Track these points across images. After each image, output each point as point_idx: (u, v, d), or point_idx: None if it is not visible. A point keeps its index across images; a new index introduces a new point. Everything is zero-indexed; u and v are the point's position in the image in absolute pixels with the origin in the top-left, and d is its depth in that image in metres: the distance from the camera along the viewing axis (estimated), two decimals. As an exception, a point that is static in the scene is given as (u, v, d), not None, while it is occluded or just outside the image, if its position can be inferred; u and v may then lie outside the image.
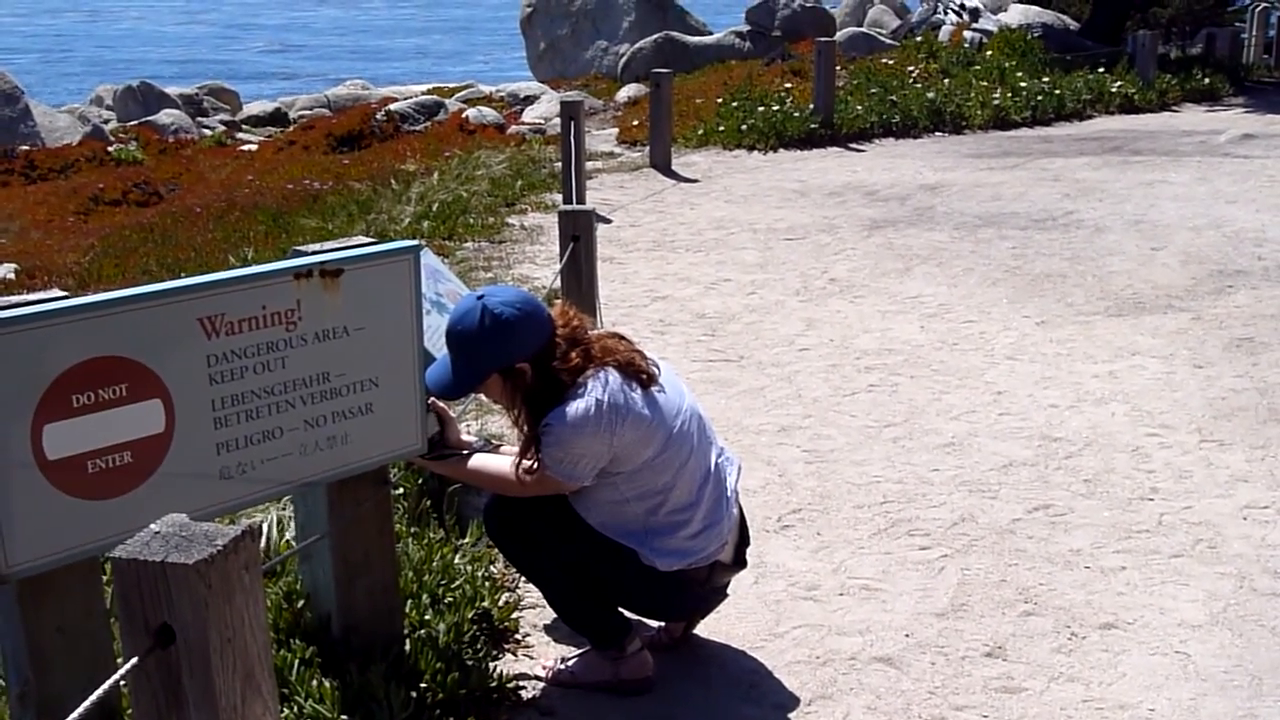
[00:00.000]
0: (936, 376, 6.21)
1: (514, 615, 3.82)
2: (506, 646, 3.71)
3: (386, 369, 3.04)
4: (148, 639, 2.04)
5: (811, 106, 14.08)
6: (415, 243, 3.05)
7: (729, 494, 3.38)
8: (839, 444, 5.35)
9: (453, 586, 3.73)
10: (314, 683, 3.05)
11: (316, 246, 2.99)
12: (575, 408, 3.09)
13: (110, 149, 20.15)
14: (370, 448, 3.06)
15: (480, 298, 3.19)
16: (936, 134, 14.43)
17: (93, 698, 1.96)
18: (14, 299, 2.65)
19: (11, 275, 10.51)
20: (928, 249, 8.94)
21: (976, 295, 7.71)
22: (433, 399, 3.29)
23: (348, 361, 2.96)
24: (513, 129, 17.41)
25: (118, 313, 2.58)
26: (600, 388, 3.11)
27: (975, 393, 5.96)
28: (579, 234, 6.40)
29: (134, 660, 2.04)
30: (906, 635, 3.77)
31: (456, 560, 3.92)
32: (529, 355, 3.16)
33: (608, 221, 10.17)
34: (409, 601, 3.51)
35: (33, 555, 2.54)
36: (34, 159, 19.90)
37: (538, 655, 3.68)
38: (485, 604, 3.71)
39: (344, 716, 2.98)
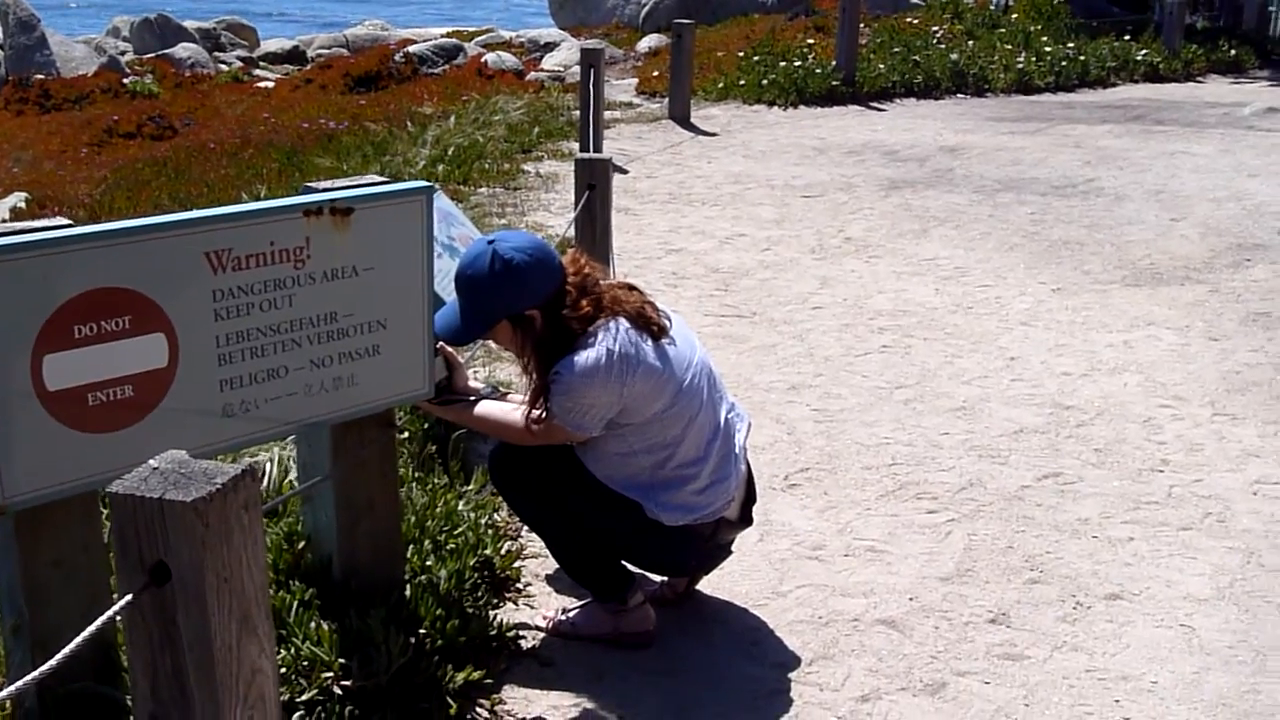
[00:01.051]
0: (950, 340, 6.15)
1: (516, 564, 3.79)
2: (507, 595, 3.68)
3: (395, 311, 2.99)
4: (143, 576, 2.01)
5: (834, 63, 13.94)
6: (427, 184, 2.99)
7: (737, 450, 3.33)
8: (849, 404, 5.31)
9: (455, 533, 3.70)
10: (312, 625, 3.03)
11: (328, 184, 2.93)
12: (585, 357, 3.04)
13: (126, 81, 20.05)
14: (376, 390, 3.02)
15: (491, 242, 3.14)
16: (958, 96, 14.29)
17: (85, 633, 1.94)
18: (18, 224, 2.60)
19: (22, 205, 10.47)
20: (945, 211, 8.85)
21: (993, 260, 7.63)
22: (440, 344, 3.24)
23: (356, 302, 2.91)
24: (531, 75, 17.28)
25: (123, 243, 2.53)
26: (611, 338, 3.06)
27: (988, 358, 5.91)
28: (595, 183, 6.34)
29: (128, 597, 2.01)
30: (910, 599, 3.74)
31: (460, 507, 3.89)
32: (539, 302, 3.11)
33: (624, 172, 10.08)
34: (410, 547, 3.48)
35: (30, 487, 2.50)
36: (49, 88, 19.81)
37: (539, 605, 3.66)
38: (487, 552, 3.69)
39: (341, 659, 2.95)
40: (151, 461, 2.08)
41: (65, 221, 2.61)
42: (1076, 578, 3.88)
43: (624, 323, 3.10)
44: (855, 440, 4.92)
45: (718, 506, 3.27)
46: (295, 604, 3.07)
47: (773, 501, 4.33)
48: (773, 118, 12.87)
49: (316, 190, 2.90)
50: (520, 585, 3.75)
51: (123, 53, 22.99)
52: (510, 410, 3.24)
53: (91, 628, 1.96)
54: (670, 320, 3.23)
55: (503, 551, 3.78)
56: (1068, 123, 12.55)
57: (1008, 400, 5.36)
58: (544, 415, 3.14)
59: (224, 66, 22.59)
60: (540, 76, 16.91)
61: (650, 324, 3.15)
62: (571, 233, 6.50)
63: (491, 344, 3.56)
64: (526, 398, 3.25)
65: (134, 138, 16.55)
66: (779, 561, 3.94)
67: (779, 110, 13.24)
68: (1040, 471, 4.63)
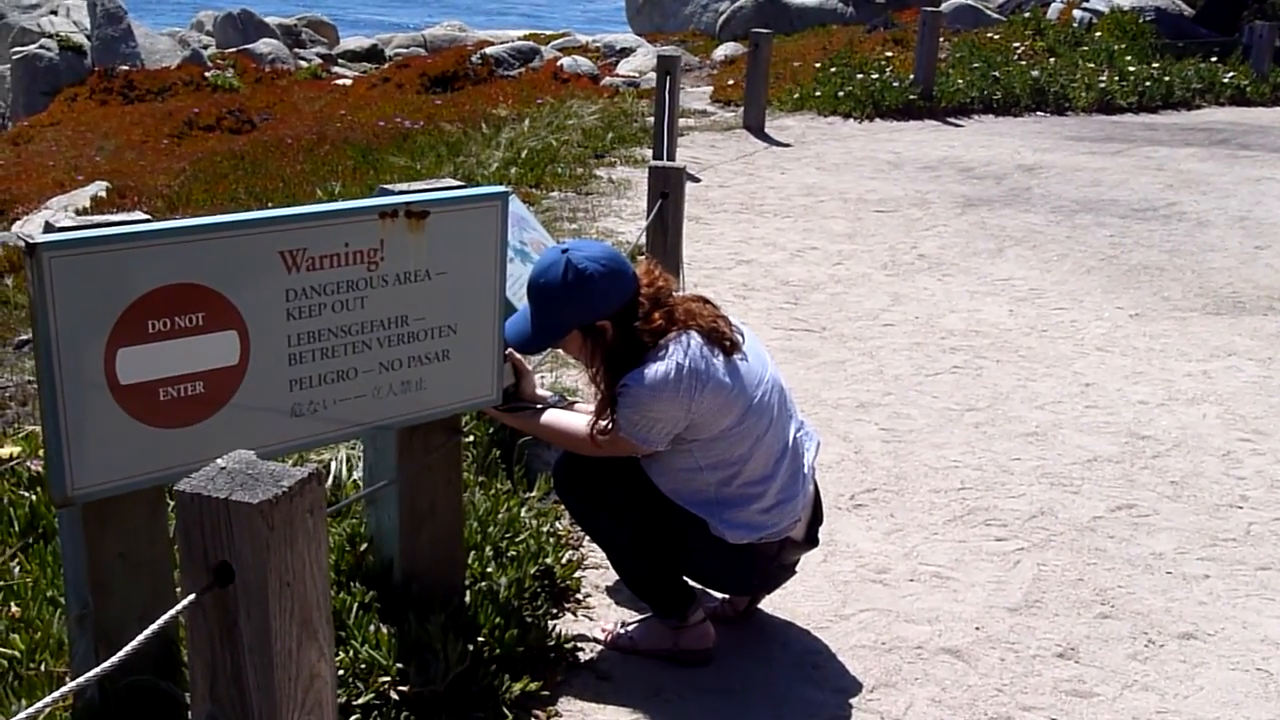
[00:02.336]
0: (1023, 363, 6.05)
1: (576, 574, 3.76)
2: (567, 605, 3.65)
3: (466, 316, 2.97)
4: (207, 576, 2.00)
5: (911, 77, 13.82)
6: (503, 189, 2.97)
7: (806, 470, 3.28)
8: (918, 424, 5.23)
9: (517, 540, 3.67)
10: (371, 628, 3.01)
11: (404, 186, 2.92)
12: (655, 370, 3.00)
13: (207, 74, 20.32)
14: (444, 395, 3.00)
15: (565, 251, 3.11)
16: (1038, 114, 14.11)
17: (148, 631, 1.93)
18: (97, 218, 2.60)
19: (102, 194, 10.62)
20: (1022, 231, 8.73)
21: (1069, 282, 7.50)
22: (509, 350, 3.22)
23: (427, 306, 2.89)
24: (606, 80, 17.30)
25: (199, 240, 2.53)
26: (681, 352, 3.02)
27: (1062, 382, 5.80)
28: (669, 191, 6.30)
29: (191, 596, 2.00)
30: (977, 628, 3.66)
31: (522, 514, 3.86)
32: (611, 313, 3.08)
33: (696, 180, 10.05)
34: (471, 553, 3.46)
35: (98, 480, 2.51)
36: (133, 79, 20.13)
37: (598, 617, 3.62)
38: (548, 560, 3.66)
39: (399, 664, 2.93)
40: (219, 461, 2.07)
41: (143, 216, 2.61)
42: (1149, 614, 3.78)
43: (696, 337, 3.06)
44: (924, 462, 4.84)
45: (783, 526, 3.22)
46: (355, 606, 3.06)
47: (838, 521, 4.27)
48: (848, 130, 12.77)
49: (392, 192, 2.89)
50: (580, 596, 3.71)
51: (205, 46, 23.33)
52: (576, 420, 3.21)
53: (154, 625, 1.95)
54: (743, 335, 3.19)
55: (564, 561, 3.75)
56: (1150, 144, 12.34)
57: (1081, 427, 5.25)
58: (610, 427, 3.10)
59: (303, 63, 22.84)
60: (615, 82, 16.92)
61: (723, 339, 3.10)
62: (643, 240, 6.47)
63: (560, 351, 3.53)
64: (594, 408, 3.22)
65: (213, 130, 16.77)
66: (842, 584, 3.88)
67: (854, 123, 13.14)
68: (1114, 502, 4.53)
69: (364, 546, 3.25)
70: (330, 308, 2.75)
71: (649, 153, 10.50)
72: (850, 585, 3.88)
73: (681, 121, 12.10)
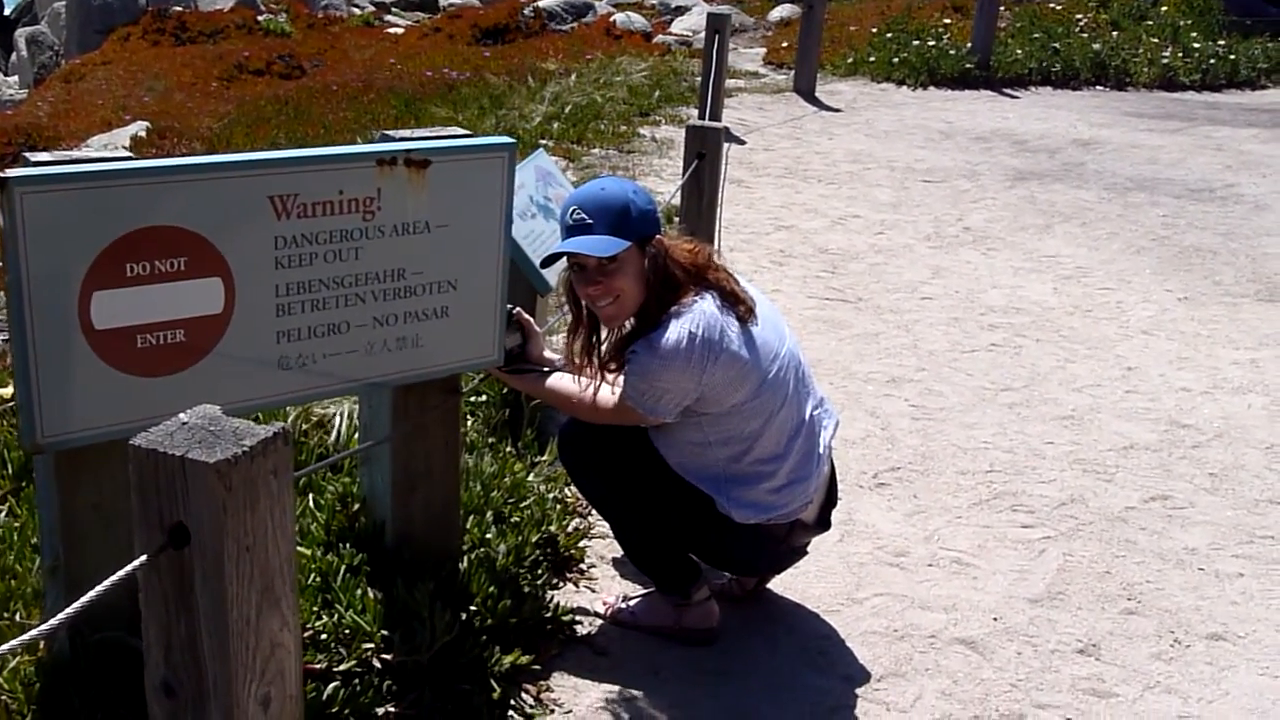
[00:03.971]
0: (1064, 343, 5.85)
1: (581, 544, 3.64)
2: (569, 575, 3.53)
3: (467, 272, 2.83)
4: (161, 537, 1.90)
5: (969, 45, 13.52)
6: (508, 139, 2.82)
7: (821, 450, 3.12)
8: (950, 403, 5.05)
9: (521, 505, 3.55)
10: (358, 592, 2.90)
11: (406, 133, 2.78)
12: (666, 338, 2.85)
13: (260, 18, 20.27)
14: (442, 354, 2.87)
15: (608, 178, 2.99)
16: (1097, 88, 13.76)
17: (100, 588, 1.82)
18: (77, 154, 2.48)
19: (142, 134, 10.56)
20: (1072, 207, 8.48)
21: (1118, 262, 7.27)
22: (518, 310, 3.08)
23: (426, 259, 2.76)
24: (659, 38, 17.05)
25: (183, 181, 2.41)
26: (696, 318, 2.86)
27: (1103, 365, 5.60)
28: (705, 152, 6.14)
29: (143, 558, 1.89)
30: (995, 619, 3.51)
31: (529, 479, 3.74)
32: (659, 232, 2.96)
33: (741, 143, 9.86)
34: (471, 517, 3.34)
35: (70, 428, 2.40)
36: (185, 20, 20.10)
37: (600, 589, 3.50)
38: (552, 529, 3.54)
39: (384, 631, 2.82)
40: (181, 415, 1.96)
41: (126, 154, 2.49)
42: (1177, 612, 3.61)
43: (711, 300, 2.91)
44: (952, 442, 4.67)
45: (794, 508, 3.07)
46: (343, 569, 2.95)
47: (858, 500, 4.12)
48: (900, 97, 12.50)
49: (394, 139, 2.75)
50: (583, 566, 3.59)
51: (260, -10, 23.21)
52: (583, 384, 3.07)
53: (104, 584, 1.84)
54: (755, 300, 3.02)
55: (568, 529, 3.63)
56: (1211, 124, 11.98)
57: (1120, 413, 5.06)
58: (615, 395, 2.96)
59: (356, 10, 22.73)
60: (668, 40, 16.69)
61: (739, 302, 2.94)
62: (678, 201, 6.31)
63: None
64: (596, 371, 3.05)
65: (263, 75, 16.72)
66: (857, 565, 3.73)
67: (908, 90, 12.87)
68: (1148, 493, 4.35)
69: (356, 507, 3.13)
70: (322, 257, 2.62)
71: (696, 113, 10.30)
72: (866, 567, 3.73)
73: (731, 83, 11.89)
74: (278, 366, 2.64)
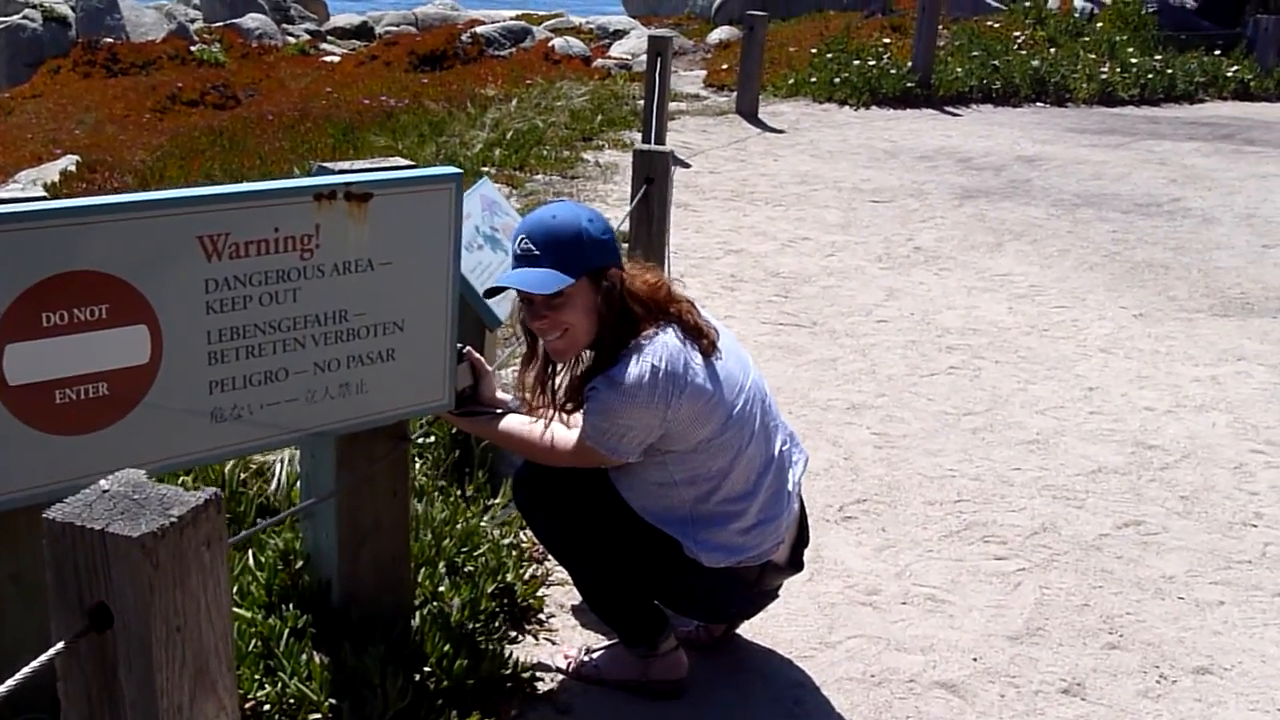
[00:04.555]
0: (1023, 364, 5.75)
1: (540, 592, 3.46)
2: (527, 627, 3.34)
3: (414, 311, 2.66)
4: (81, 619, 1.70)
5: (910, 64, 13.50)
6: (454, 170, 2.65)
7: (790, 487, 2.96)
8: (913, 429, 4.92)
9: (475, 554, 3.37)
10: (303, 657, 2.70)
11: (344, 165, 2.60)
12: (629, 373, 2.68)
13: (193, 49, 19.96)
14: (389, 399, 2.69)
15: (560, 202, 2.80)
16: (1038, 104, 13.79)
17: (12, 682, 1.62)
18: (-14, 195, 2.28)
19: (72, 168, 10.26)
20: (1021, 224, 8.42)
21: (1071, 279, 7.20)
22: (468, 349, 2.91)
23: (370, 300, 2.58)
24: (598, 63, 16.95)
25: (103, 222, 2.21)
26: (658, 351, 2.70)
27: (1064, 386, 5.50)
28: (654, 176, 5.99)
29: (60, 644, 1.70)
30: (974, 659, 3.36)
31: (483, 524, 3.56)
32: (617, 263, 2.78)
33: (686, 166, 9.73)
34: (423, 569, 3.15)
35: (-18, 493, 2.20)
36: (117, 52, 19.75)
37: (561, 640, 3.32)
38: (509, 577, 3.35)
39: (332, 699, 2.63)
40: (102, 482, 1.77)
41: (42, 193, 2.30)
42: (1160, 645, 3.48)
43: (673, 333, 2.74)
44: (918, 471, 4.54)
45: (765, 549, 2.90)
46: (286, 633, 2.75)
47: (825, 535, 3.97)
48: (843, 117, 12.45)
49: (332, 170, 2.57)
50: (542, 616, 3.41)
51: (192, 20, 22.93)
52: (538, 426, 2.89)
53: (18, 675, 1.65)
54: (718, 332, 2.87)
55: (525, 577, 3.45)
56: (1153, 138, 12.02)
57: (1085, 435, 4.95)
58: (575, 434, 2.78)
59: (291, 39, 22.47)
60: (607, 64, 16.58)
61: (701, 335, 2.78)
62: (626, 226, 6.16)
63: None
64: (551, 407, 2.88)
65: (197, 106, 16.44)
66: (829, 606, 3.58)
67: (850, 110, 12.82)
68: (1120, 519, 4.23)
69: (300, 564, 2.93)
70: (257, 300, 2.43)
71: (639, 136, 10.18)
72: (837, 608, 3.57)
73: (673, 106, 11.78)
74: (211, 419, 2.45)
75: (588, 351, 2.84)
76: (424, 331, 2.68)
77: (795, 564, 3.09)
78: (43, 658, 1.68)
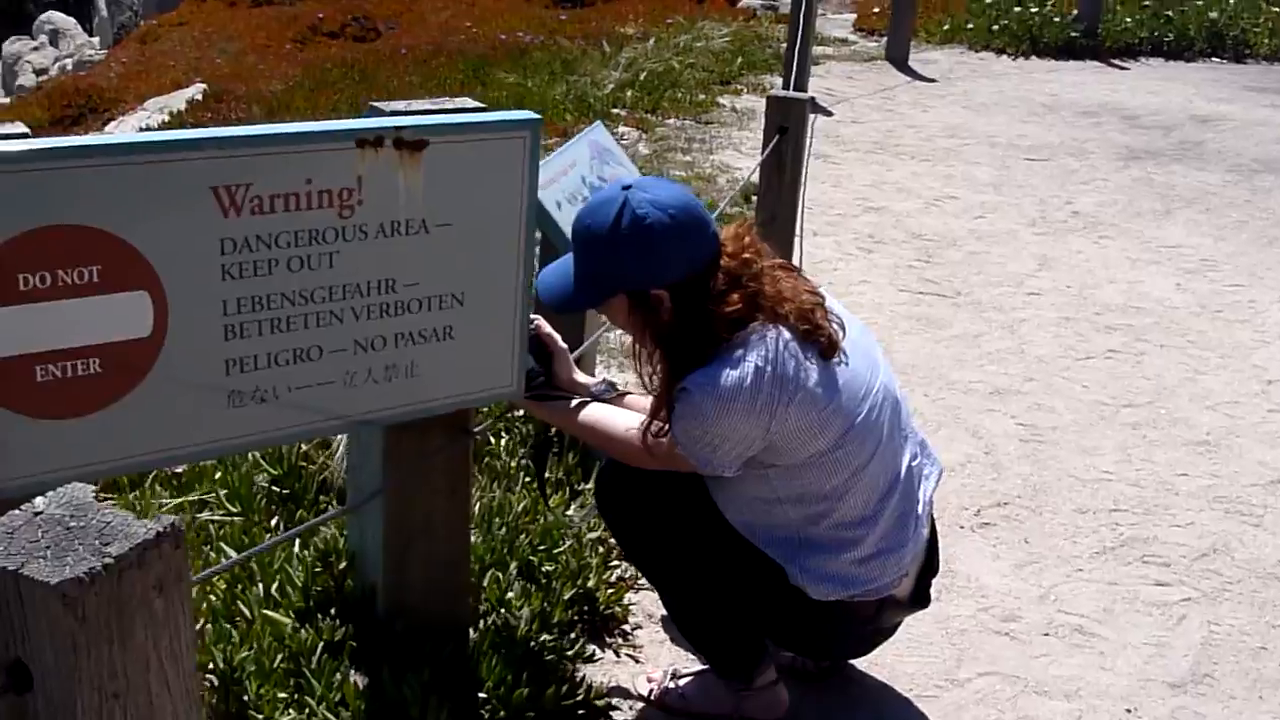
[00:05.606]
0: (1192, 349, 5.13)
1: (625, 599, 3.04)
2: (609, 640, 2.94)
3: (477, 282, 2.24)
4: None
5: (1075, 13, 12.63)
6: (531, 115, 2.21)
7: (920, 510, 2.48)
8: (1064, 421, 4.38)
9: (555, 553, 2.97)
10: (336, 677, 2.33)
11: (400, 105, 2.19)
12: (727, 375, 2.22)
13: (336, -21, 19.78)
14: (445, 384, 2.28)
15: (627, 188, 2.31)
16: (1213, 59, 12.79)
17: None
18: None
19: (199, 96, 10.07)
20: (1193, 191, 7.69)
21: (1249, 254, 6.49)
22: (538, 322, 2.48)
23: (423, 268, 2.17)
24: (744, 2, 16.32)
25: (94, 167, 1.83)
26: (765, 351, 2.23)
27: (1239, 377, 4.88)
28: (788, 125, 5.49)
29: (-34, 709, 1.34)
30: (1128, 710, 2.86)
31: (570, 512, 3.16)
32: (672, 281, 2.29)
33: (828, 114, 9.08)
34: (489, 572, 2.76)
35: (-57, 486, 1.85)
36: (261, -19, 19.69)
37: (646, 657, 2.90)
38: (590, 582, 2.94)
39: (365, 732, 2.26)
40: (38, 500, 1.41)
41: (23, 129, 1.92)
42: (1355, 706, 2.94)
43: (785, 332, 2.27)
44: (1068, 471, 4.00)
45: (884, 583, 2.43)
46: (320, 648, 2.38)
47: (959, 544, 3.48)
48: (1000, 67, 11.68)
49: (384, 112, 2.16)
50: (627, 627, 2.99)
51: (338, -50, 22.76)
52: (625, 420, 2.44)
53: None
54: (843, 328, 2.38)
55: (610, 580, 3.04)
56: (1342, 100, 11.04)
57: (1263, 437, 4.35)
58: (664, 432, 2.34)
59: (436, -29, 22.16)
60: (753, 4, 15.94)
61: (818, 334, 2.30)
62: (756, 178, 5.68)
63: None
64: (649, 404, 2.45)
65: (337, 37, 16.32)
66: (958, 633, 3.10)
67: (1008, 59, 12.03)
68: (1306, 542, 3.66)
69: (343, 565, 2.56)
70: (285, 265, 2.04)
71: (780, 81, 9.62)
72: (968, 636, 3.09)
73: (819, 50, 11.17)
74: (229, 403, 2.06)
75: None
76: (489, 306, 2.26)
77: (920, 599, 2.61)
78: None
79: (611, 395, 2.60)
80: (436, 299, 2.20)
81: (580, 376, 2.60)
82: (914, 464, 2.48)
